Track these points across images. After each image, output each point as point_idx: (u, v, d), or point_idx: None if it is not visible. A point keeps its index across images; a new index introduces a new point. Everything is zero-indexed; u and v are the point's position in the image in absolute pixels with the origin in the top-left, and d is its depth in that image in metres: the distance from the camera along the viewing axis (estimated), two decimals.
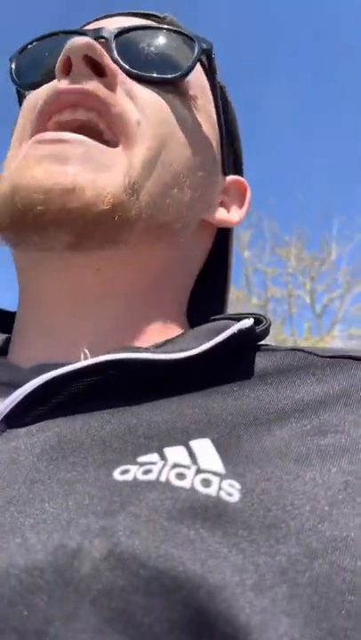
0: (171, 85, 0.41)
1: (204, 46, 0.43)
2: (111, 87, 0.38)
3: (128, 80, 0.40)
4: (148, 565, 0.20)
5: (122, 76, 0.39)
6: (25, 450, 0.27)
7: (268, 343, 0.39)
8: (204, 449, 0.26)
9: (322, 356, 0.34)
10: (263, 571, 0.20)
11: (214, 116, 0.46)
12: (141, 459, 0.25)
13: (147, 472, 0.24)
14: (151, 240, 0.39)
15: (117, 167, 0.37)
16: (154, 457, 0.25)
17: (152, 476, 0.24)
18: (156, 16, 0.46)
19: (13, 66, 0.45)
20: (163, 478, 0.23)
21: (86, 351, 0.36)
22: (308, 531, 0.22)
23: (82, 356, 0.35)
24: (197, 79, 0.44)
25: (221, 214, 0.47)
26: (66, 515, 0.22)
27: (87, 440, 0.27)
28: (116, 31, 0.41)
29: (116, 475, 0.24)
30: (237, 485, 0.23)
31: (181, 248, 0.42)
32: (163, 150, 0.39)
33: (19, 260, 0.41)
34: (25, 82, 0.44)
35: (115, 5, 0.47)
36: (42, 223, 0.34)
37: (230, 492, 0.23)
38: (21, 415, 0.30)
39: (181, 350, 0.32)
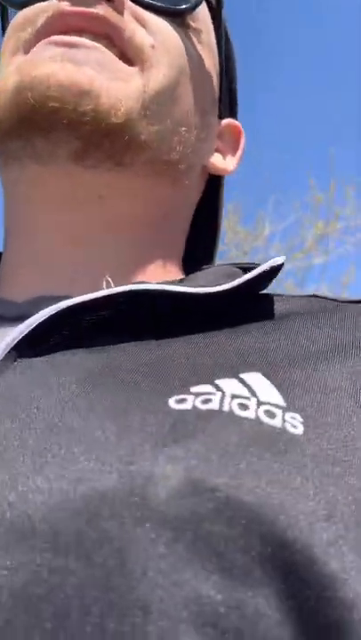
0: (178, 17, 0.39)
1: None
2: (119, 12, 0.36)
3: (134, 5, 0.37)
4: (224, 493, 0.19)
5: (128, 2, 0.37)
6: (54, 375, 0.25)
7: None
8: (259, 381, 0.25)
9: (342, 302, 0.33)
10: (334, 502, 0.20)
11: (216, 53, 0.44)
12: (195, 389, 0.24)
13: (206, 401, 0.23)
14: (156, 176, 0.37)
15: (133, 84, 0.35)
16: (208, 388, 0.24)
17: (213, 406, 0.23)
18: None
19: None
20: (225, 408, 0.23)
21: (109, 279, 0.34)
22: None
23: (103, 286, 0.33)
24: (203, 12, 0.42)
25: (218, 161, 0.45)
26: (127, 442, 0.21)
27: (123, 370, 0.26)
28: None
29: (172, 403, 0.23)
30: (300, 418, 0.23)
31: (184, 190, 0.41)
32: (177, 82, 0.37)
33: (12, 180, 0.38)
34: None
35: None
36: (52, 123, 0.32)
37: (294, 424, 0.23)
38: (32, 346, 0.28)
39: (201, 287, 0.30)
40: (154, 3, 0.38)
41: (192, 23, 0.40)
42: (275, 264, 0.31)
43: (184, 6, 0.39)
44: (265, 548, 0.18)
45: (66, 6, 0.35)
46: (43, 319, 0.27)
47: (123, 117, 0.33)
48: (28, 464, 0.20)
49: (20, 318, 0.29)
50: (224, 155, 0.46)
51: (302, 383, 0.26)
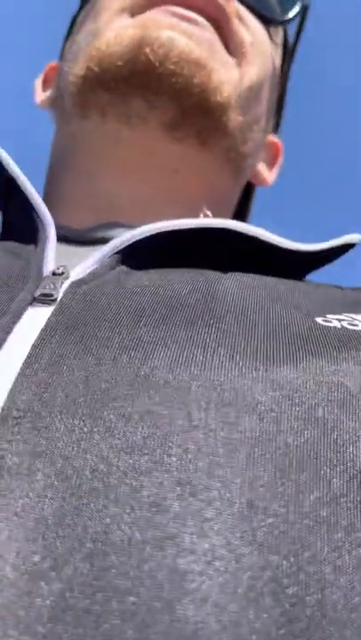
0: (270, 25, 0.42)
1: (306, 3, 0.44)
2: (229, 1, 0.38)
3: (237, 2, 0.39)
4: None
5: None
6: (177, 283, 0.24)
7: None
8: None
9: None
10: None
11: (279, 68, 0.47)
12: (332, 316, 0.25)
13: (352, 324, 0.24)
14: (227, 163, 0.39)
15: (233, 73, 0.37)
16: (344, 316, 0.25)
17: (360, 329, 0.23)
18: None
19: None
20: None
21: (208, 213, 0.34)
22: None
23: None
24: (280, 32, 0.45)
25: (263, 169, 0.47)
26: (300, 344, 0.22)
27: (245, 292, 0.25)
28: None
29: (320, 321, 0.24)
30: None
31: (239, 184, 0.43)
32: (263, 83, 0.39)
33: (84, 131, 0.38)
34: None
35: None
36: (162, 85, 0.33)
37: None
38: (132, 258, 0.27)
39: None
40: (252, 4, 0.40)
41: (274, 34, 0.43)
42: (351, 241, 0.33)
43: (279, 18, 0.42)
44: None
45: None
46: (142, 237, 0.27)
47: (224, 99, 0.35)
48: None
49: (95, 242, 0.29)
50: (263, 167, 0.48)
51: None
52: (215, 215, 0.41)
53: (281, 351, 0.21)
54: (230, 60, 0.37)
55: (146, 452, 0.16)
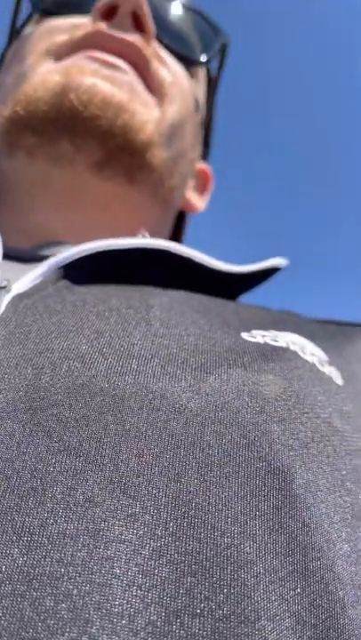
0: (189, 65, 0.45)
1: (224, 41, 0.48)
2: (148, 43, 0.40)
3: (156, 42, 0.42)
4: (312, 410, 0.23)
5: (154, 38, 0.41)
6: (113, 298, 0.26)
7: None
8: (299, 338, 0.28)
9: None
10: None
11: (203, 105, 0.50)
12: (256, 332, 0.27)
13: (274, 340, 0.26)
14: (154, 198, 0.41)
15: (154, 112, 0.39)
16: (267, 333, 0.27)
17: (282, 344, 0.26)
18: None
19: None
20: (292, 348, 0.26)
21: (146, 234, 0.36)
22: None
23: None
24: (202, 70, 0.48)
25: (193, 197, 0.50)
26: (226, 355, 0.23)
27: (178, 307, 0.27)
28: None
29: (245, 336, 0.26)
30: (339, 373, 0.27)
31: (169, 217, 0.45)
32: (184, 120, 0.42)
33: (11, 169, 0.39)
34: (47, 6, 0.43)
35: None
36: (88, 128, 0.35)
37: (336, 376, 0.27)
38: (75, 274, 0.28)
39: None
40: (171, 45, 0.43)
41: (195, 75, 0.46)
42: (277, 265, 0.36)
43: (197, 58, 0.45)
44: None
45: (104, 28, 0.38)
46: (80, 256, 0.28)
47: (147, 137, 0.37)
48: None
49: (36, 260, 0.30)
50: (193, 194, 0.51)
51: (331, 347, 0.29)
52: None
53: (208, 362, 0.23)
54: (151, 100, 0.39)
55: (81, 453, 0.18)
